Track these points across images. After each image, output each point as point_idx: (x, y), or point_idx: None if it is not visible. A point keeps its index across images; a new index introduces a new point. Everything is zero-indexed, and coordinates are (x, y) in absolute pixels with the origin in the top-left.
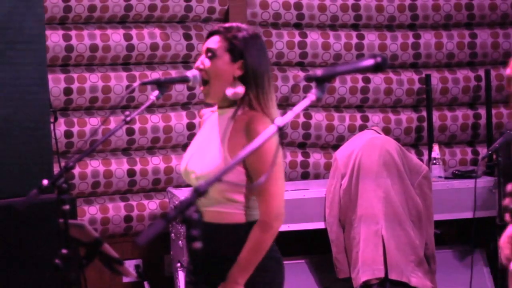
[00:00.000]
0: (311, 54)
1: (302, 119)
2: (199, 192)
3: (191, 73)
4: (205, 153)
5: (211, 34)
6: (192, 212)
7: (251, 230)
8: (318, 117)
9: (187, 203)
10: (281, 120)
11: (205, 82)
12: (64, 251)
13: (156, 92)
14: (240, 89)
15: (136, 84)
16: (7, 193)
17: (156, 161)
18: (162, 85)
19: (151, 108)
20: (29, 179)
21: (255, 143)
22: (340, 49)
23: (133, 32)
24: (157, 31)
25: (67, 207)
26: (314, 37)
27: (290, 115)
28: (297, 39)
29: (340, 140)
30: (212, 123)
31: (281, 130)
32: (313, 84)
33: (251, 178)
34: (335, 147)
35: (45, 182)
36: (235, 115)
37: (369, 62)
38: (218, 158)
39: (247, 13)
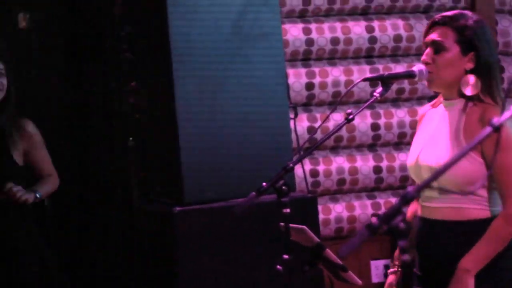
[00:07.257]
0: None
1: None
2: (406, 199)
3: (417, 68)
4: (438, 146)
5: (433, 24)
6: (398, 221)
7: (493, 220)
8: None
9: (393, 211)
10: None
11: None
12: (285, 256)
13: (380, 89)
14: (475, 82)
15: (359, 81)
16: (243, 194)
17: (403, 158)
18: (386, 81)
19: (396, 103)
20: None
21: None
22: None
23: (375, 23)
24: (400, 22)
25: (287, 210)
26: None
27: None
28: None
29: None
30: (439, 117)
31: None
32: None
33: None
34: None
35: (264, 184)
36: (466, 107)
37: None
38: (454, 149)
39: (495, 0)
